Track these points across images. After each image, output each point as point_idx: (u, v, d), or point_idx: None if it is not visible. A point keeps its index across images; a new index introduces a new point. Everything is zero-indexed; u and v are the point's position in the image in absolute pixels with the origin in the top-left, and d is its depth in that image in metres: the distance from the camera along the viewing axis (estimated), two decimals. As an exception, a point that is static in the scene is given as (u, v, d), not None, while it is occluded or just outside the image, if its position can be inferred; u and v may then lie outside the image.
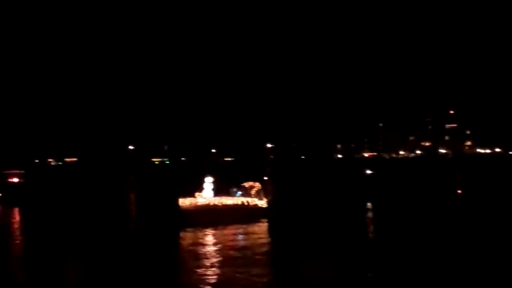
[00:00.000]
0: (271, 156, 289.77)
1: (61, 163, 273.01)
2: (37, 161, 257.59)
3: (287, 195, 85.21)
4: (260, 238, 45.15)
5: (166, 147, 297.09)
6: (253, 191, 56.78)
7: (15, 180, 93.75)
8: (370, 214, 59.57)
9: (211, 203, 54.21)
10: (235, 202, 55.02)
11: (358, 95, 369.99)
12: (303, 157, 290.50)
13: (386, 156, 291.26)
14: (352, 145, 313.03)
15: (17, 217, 65.29)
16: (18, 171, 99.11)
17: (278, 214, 58.95)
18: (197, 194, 55.31)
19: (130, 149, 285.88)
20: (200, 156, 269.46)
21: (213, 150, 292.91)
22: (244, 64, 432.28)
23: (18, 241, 46.08)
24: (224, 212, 53.42)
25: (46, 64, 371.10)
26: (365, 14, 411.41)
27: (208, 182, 55.69)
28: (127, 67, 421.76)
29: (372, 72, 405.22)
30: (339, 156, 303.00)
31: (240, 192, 56.58)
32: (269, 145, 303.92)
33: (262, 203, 56.24)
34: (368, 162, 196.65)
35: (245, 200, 55.38)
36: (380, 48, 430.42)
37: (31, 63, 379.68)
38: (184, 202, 54.56)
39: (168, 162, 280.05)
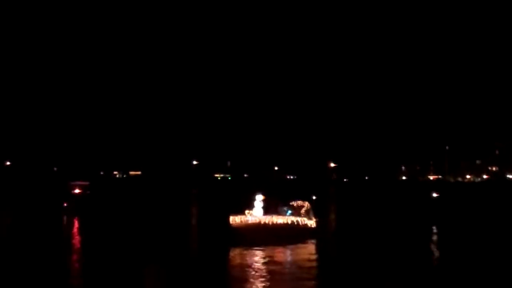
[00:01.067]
0: (334, 175, 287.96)
1: (125, 176, 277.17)
2: (102, 173, 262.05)
3: (346, 216, 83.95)
4: (311, 258, 44.10)
5: (229, 163, 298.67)
6: (302, 210, 55.37)
7: (78, 191, 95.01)
8: (435, 238, 57.76)
9: (262, 222, 53.10)
10: (285, 221, 53.66)
11: (425, 117, 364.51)
12: (366, 177, 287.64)
13: (451, 179, 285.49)
14: (417, 167, 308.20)
15: (79, 227, 65.89)
16: (82, 182, 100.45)
17: (330, 234, 57.78)
18: (247, 212, 54.26)
19: (193, 164, 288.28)
20: (262, 172, 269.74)
21: (276, 168, 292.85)
22: (310, 81, 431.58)
23: (79, 251, 46.12)
24: (274, 231, 52.24)
25: (112, 77, 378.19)
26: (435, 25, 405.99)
27: (259, 200, 54.56)
28: (192, 82, 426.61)
29: (441, 94, 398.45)
30: (403, 178, 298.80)
31: (290, 211, 55.23)
32: (332, 164, 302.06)
33: (312, 223, 54.84)
34: (433, 185, 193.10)
35: (295, 219, 54.01)
36: (450, 70, 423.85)
37: (99, 75, 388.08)
38: (235, 219, 53.62)
39: (230, 178, 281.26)
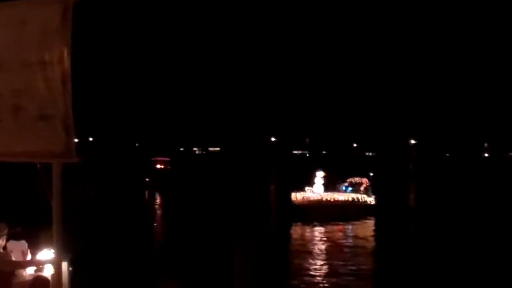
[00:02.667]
0: (414, 152, 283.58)
1: (204, 152, 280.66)
2: (182, 149, 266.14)
3: (418, 194, 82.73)
4: (369, 235, 44.06)
5: (307, 140, 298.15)
6: (362, 187, 55.45)
7: (161, 166, 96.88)
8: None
9: (323, 199, 53.08)
10: (346, 198, 53.66)
11: (508, 90, 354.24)
12: (448, 154, 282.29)
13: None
14: (500, 143, 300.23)
15: (161, 202, 67.21)
16: (164, 158, 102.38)
17: (391, 212, 57.05)
18: (307, 188, 54.64)
19: (272, 140, 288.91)
20: (340, 149, 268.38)
21: (355, 144, 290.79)
22: (393, 58, 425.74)
23: (163, 227, 47.14)
24: (335, 208, 51.89)
25: (194, 53, 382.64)
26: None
27: (319, 177, 54.82)
28: (273, 57, 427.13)
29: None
30: (486, 155, 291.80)
31: (350, 188, 55.48)
32: (412, 141, 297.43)
33: (371, 200, 54.64)
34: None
35: (355, 196, 53.99)
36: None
37: (180, 52, 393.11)
38: (296, 196, 53.77)
39: (308, 155, 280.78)
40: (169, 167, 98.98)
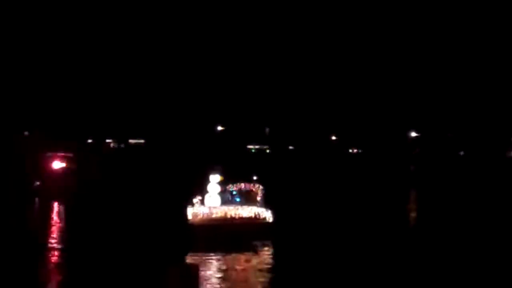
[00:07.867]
0: (417, 149, 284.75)
1: (123, 146, 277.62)
2: (90, 141, 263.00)
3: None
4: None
5: (267, 130, 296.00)
6: (258, 197, 54.31)
7: (61, 165, 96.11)
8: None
9: (228, 215, 51.81)
10: (250, 215, 52.56)
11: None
12: (462, 152, 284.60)
13: None
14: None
15: (60, 218, 66.94)
16: (64, 154, 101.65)
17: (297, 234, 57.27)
18: (195, 200, 52.67)
19: (218, 130, 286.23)
20: (313, 144, 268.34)
21: (334, 137, 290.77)
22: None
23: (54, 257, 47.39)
24: (236, 228, 51.07)
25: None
26: None
27: (214, 183, 53.01)
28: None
29: None
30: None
31: (238, 198, 54.37)
32: (413, 134, 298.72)
33: (269, 215, 53.56)
34: None
35: (256, 211, 52.86)
36: None
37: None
38: (195, 213, 51.95)
39: (268, 151, 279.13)
40: (72, 165, 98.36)
